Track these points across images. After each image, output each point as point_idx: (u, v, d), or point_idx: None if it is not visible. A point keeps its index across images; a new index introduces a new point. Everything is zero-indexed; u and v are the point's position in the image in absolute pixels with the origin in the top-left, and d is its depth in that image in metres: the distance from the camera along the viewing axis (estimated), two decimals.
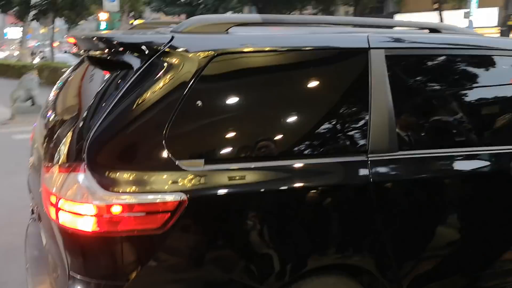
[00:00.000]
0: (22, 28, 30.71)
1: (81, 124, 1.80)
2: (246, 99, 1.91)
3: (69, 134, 1.85)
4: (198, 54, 1.82)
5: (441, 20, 28.74)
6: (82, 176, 1.68)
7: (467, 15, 22.46)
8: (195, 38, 1.90)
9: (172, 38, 1.84)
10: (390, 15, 36.00)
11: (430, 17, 31.28)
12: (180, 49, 1.82)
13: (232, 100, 1.89)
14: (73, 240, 1.74)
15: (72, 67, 2.77)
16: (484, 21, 29.70)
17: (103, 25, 18.37)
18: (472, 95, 2.41)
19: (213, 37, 1.93)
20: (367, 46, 2.10)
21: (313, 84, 2.05)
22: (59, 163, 1.80)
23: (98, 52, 2.08)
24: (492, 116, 2.44)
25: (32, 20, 29.02)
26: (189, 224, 1.75)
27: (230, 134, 1.87)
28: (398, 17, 35.30)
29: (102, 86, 1.93)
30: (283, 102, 1.97)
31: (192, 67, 1.79)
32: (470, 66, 2.42)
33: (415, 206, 2.13)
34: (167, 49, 1.80)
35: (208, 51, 1.83)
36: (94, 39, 2.07)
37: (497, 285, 2.45)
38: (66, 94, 2.51)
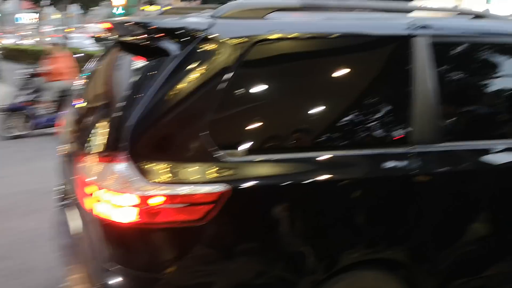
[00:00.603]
0: (37, 13, 30.81)
1: (120, 113, 1.75)
2: (287, 87, 1.85)
3: (108, 123, 1.80)
4: (240, 40, 1.76)
5: (459, 4, 28.17)
6: (124, 166, 1.64)
7: (488, 1, 21.96)
8: (236, 24, 1.84)
9: (213, 23, 1.78)
10: None
11: (446, 1, 30.68)
12: (221, 35, 1.76)
13: (274, 88, 1.83)
14: (111, 230, 1.71)
15: (99, 55, 2.71)
16: (502, 8, 29.03)
17: (119, 10, 18.28)
18: None
19: (254, 23, 1.86)
20: (410, 32, 2.02)
21: (355, 73, 1.97)
22: (98, 152, 1.76)
23: (134, 38, 2.02)
24: None
25: (49, 5, 29.08)
26: (231, 215, 1.71)
27: (273, 124, 1.82)
28: (416, 1, 34.68)
29: (139, 73, 1.87)
30: (326, 91, 1.90)
31: (233, 53, 1.74)
32: None
33: (457, 199, 2.06)
34: (207, 35, 1.74)
35: (250, 37, 1.77)
36: (131, 24, 2.01)
37: None
38: (99, 82, 2.46)
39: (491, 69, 2.24)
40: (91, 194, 1.74)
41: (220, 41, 1.75)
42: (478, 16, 2.43)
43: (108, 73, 2.39)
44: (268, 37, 1.81)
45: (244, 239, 1.77)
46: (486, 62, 2.25)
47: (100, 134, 1.82)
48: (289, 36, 1.86)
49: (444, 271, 2.10)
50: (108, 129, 1.77)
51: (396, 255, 2.00)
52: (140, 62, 1.99)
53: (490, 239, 2.18)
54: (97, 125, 1.94)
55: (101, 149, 1.76)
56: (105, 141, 1.76)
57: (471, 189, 2.09)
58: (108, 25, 2.26)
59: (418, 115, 1.97)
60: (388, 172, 1.94)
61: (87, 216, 1.86)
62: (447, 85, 2.07)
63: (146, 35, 1.91)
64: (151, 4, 43.40)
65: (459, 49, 2.17)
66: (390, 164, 1.95)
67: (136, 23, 1.96)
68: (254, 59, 1.78)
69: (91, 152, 1.83)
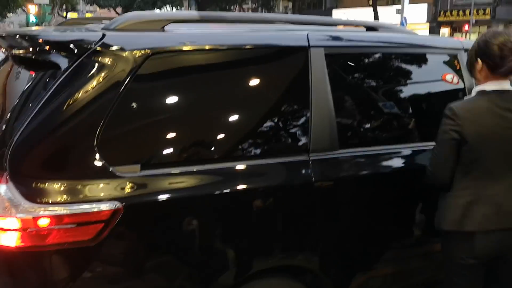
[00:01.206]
0: None
1: (3, 129, 1.65)
2: (184, 99, 1.84)
3: None
4: (132, 52, 1.72)
5: (376, 16, 29.71)
6: (4, 187, 1.54)
7: (399, 11, 23.27)
8: (128, 36, 1.80)
9: (103, 36, 1.73)
10: (329, 10, 36.77)
11: (365, 13, 32.29)
12: (112, 48, 1.71)
13: (170, 100, 1.81)
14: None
15: None
16: (415, 17, 30.95)
17: (32, 18, 17.33)
18: (408, 92, 2.46)
19: (148, 35, 1.84)
20: (307, 44, 2.08)
21: (253, 83, 2.00)
22: None
23: (22, 51, 1.92)
24: (428, 112, 2.50)
25: None
26: (126, 233, 1.66)
27: (168, 137, 1.79)
28: (336, 12, 36.14)
29: (26, 87, 1.79)
30: (222, 102, 1.91)
31: (125, 66, 1.69)
32: (406, 64, 2.47)
33: (357, 204, 2.14)
34: (98, 48, 1.69)
35: (143, 49, 1.74)
36: (17, 36, 1.91)
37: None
38: None
39: (381, 78, 2.36)
40: None
41: (112, 53, 1.70)
42: (370, 28, 2.55)
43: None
44: (163, 49, 1.78)
45: (143, 256, 1.72)
46: (377, 71, 2.37)
47: None
48: (186, 48, 1.84)
49: (347, 275, 2.17)
50: None
51: (302, 262, 2.03)
52: (30, 76, 1.90)
53: (391, 241, 2.29)
54: None
55: None
56: None
57: (368, 193, 2.18)
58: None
59: (316, 124, 2.03)
60: (290, 180, 1.98)
61: None
62: (342, 95, 2.15)
63: (35, 48, 1.82)
64: (67, 12, 41.78)
65: (352, 59, 2.27)
66: (291, 172, 1.99)
67: (24, 36, 1.86)
68: (148, 72, 1.74)
69: None
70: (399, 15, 23.12)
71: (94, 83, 1.65)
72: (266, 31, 2.19)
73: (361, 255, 2.20)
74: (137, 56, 1.72)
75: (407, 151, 2.30)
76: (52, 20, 18.61)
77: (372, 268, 2.27)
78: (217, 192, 1.81)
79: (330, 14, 36.10)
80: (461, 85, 2.45)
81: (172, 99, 1.81)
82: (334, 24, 2.59)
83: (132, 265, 1.71)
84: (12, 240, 1.54)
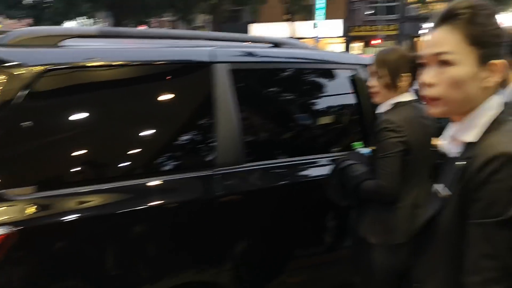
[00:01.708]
0: None
1: None
2: (81, 117, 1.79)
3: None
4: (24, 69, 1.65)
5: (292, 30, 30.65)
6: None
7: (314, 26, 24.19)
8: (21, 52, 1.73)
9: None
10: (246, 25, 37.35)
11: (282, 28, 33.19)
12: (3, 64, 1.63)
13: (66, 118, 1.76)
14: None
15: None
16: (329, 32, 32.31)
17: None
18: (309, 105, 2.57)
19: (41, 51, 1.78)
20: (210, 60, 2.11)
21: (155, 99, 1.99)
22: None
23: None
24: (329, 124, 2.62)
25: None
26: (21, 258, 1.58)
27: (65, 156, 1.73)
28: (254, 27, 36.79)
29: None
30: (123, 119, 1.88)
31: (17, 83, 1.62)
32: (307, 78, 2.58)
33: (264, 216, 2.19)
34: None
35: (36, 65, 1.67)
36: None
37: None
38: None
39: (284, 92, 2.45)
40: None
41: (2, 70, 1.63)
42: (276, 44, 2.64)
43: None
44: (57, 65, 1.73)
45: (41, 280, 1.64)
46: (280, 86, 2.45)
47: None
48: (81, 64, 1.80)
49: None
50: None
51: (213, 277, 2.04)
52: None
53: (296, 248, 2.36)
54: None
55: None
56: None
57: (275, 205, 2.23)
58: None
59: (222, 138, 2.06)
60: (196, 195, 1.98)
61: None
62: (248, 109, 2.20)
63: None
64: None
65: (256, 75, 2.33)
66: (197, 187, 2.00)
67: None
68: (41, 89, 1.68)
69: None
70: (314, 30, 24.04)
71: None
72: (169, 47, 2.19)
73: (271, 266, 2.25)
74: (29, 72, 1.65)
75: (312, 162, 2.39)
76: None
77: (282, 278, 2.32)
78: (118, 211, 1.77)
79: (247, 29, 36.75)
80: (356, 99, 2.60)
81: (68, 117, 1.76)
82: (240, 40, 2.65)
83: None
84: None
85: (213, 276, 2.03)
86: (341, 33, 34.60)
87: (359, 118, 2.61)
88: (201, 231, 1.98)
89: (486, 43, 1.06)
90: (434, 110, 1.11)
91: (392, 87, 2.05)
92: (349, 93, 2.66)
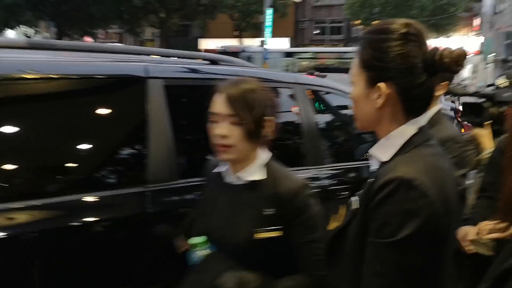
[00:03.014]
0: None
1: None
2: (12, 130, 1.72)
3: None
4: None
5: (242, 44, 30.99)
6: None
7: (262, 44, 24.56)
8: None
9: None
10: (195, 39, 37.40)
11: (231, 43, 33.45)
12: None
13: None
14: None
15: None
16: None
17: None
18: None
19: None
20: (145, 75, 2.09)
21: (85, 114, 1.95)
22: None
23: None
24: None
25: None
26: None
27: None
28: (202, 42, 36.89)
29: None
30: (54, 134, 1.83)
31: None
32: None
33: None
34: None
35: None
36: None
37: None
38: None
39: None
40: None
41: None
42: (213, 61, 2.66)
43: None
44: None
45: None
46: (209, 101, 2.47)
47: None
48: (10, 76, 1.73)
49: None
50: None
51: None
52: None
53: None
54: None
55: None
56: None
57: None
58: None
59: (154, 154, 2.03)
60: (124, 213, 1.94)
61: None
62: (182, 126, 2.19)
63: None
64: None
65: (192, 91, 2.33)
66: (126, 204, 1.96)
67: None
68: None
69: None
70: (263, 47, 24.42)
71: None
72: (101, 60, 2.15)
73: None
74: None
75: None
76: None
77: None
78: (46, 228, 1.71)
79: (196, 43, 36.81)
80: (295, 119, 2.66)
81: None
82: (177, 56, 2.64)
83: None
84: None
85: None
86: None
87: (299, 136, 2.66)
88: (133, 247, 1.94)
89: (371, 66, 1.13)
90: (355, 124, 1.25)
91: None
92: (288, 111, 2.71)
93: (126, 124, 2.05)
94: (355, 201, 1.16)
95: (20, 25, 37.84)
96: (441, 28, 26.64)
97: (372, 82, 1.13)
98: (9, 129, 1.73)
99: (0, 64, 1.78)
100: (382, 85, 1.11)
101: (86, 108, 1.95)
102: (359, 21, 27.51)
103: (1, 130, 1.71)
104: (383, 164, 1.14)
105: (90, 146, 1.93)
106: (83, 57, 2.16)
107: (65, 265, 1.76)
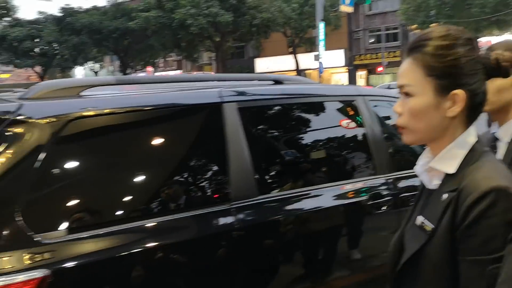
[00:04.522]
0: None
1: None
2: (105, 162, 1.91)
3: None
4: (50, 120, 1.78)
5: (296, 62, 31.16)
6: None
7: (317, 58, 24.57)
8: (45, 104, 1.86)
9: (21, 105, 1.78)
10: (251, 60, 38.01)
11: (286, 61, 33.71)
12: (30, 117, 1.76)
13: (90, 163, 1.88)
14: None
15: None
16: (332, 62, 32.79)
17: None
18: (314, 138, 2.70)
19: (65, 102, 1.91)
20: (220, 100, 2.24)
21: (172, 141, 2.12)
22: None
23: None
24: (339, 155, 2.73)
25: None
26: None
27: (91, 199, 1.84)
28: (258, 61, 37.41)
29: None
30: (143, 163, 2.00)
31: (44, 134, 1.74)
32: (311, 112, 2.71)
33: (278, 245, 2.28)
34: (16, 118, 1.73)
35: (62, 115, 1.80)
36: None
37: None
38: None
39: (290, 127, 2.57)
40: None
41: (30, 122, 1.75)
42: (276, 81, 2.79)
43: None
44: (81, 114, 1.85)
45: None
46: (286, 120, 2.57)
47: None
48: (105, 112, 1.92)
49: None
50: None
51: None
52: None
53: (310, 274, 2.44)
54: None
55: None
56: None
57: (288, 234, 2.33)
58: None
59: (234, 173, 2.16)
60: (213, 230, 2.07)
61: None
62: (256, 145, 2.31)
63: None
64: None
65: (262, 111, 2.46)
66: (213, 221, 2.09)
67: None
68: (68, 137, 1.80)
69: None
70: (317, 61, 24.45)
71: (14, 152, 1.68)
72: (182, 91, 2.33)
73: None
74: (54, 123, 1.77)
75: (320, 192, 2.49)
76: None
77: None
78: (142, 249, 1.86)
79: (252, 63, 37.42)
80: (360, 129, 2.74)
81: (92, 163, 1.88)
82: (243, 79, 2.79)
83: None
84: None
85: None
86: (343, 63, 35.10)
87: (365, 147, 2.72)
88: (220, 263, 2.06)
89: (444, 74, 1.06)
90: (405, 139, 1.14)
91: None
92: (351, 124, 2.78)
93: (209, 147, 2.20)
94: (424, 221, 1.08)
95: (88, 61, 40.29)
96: (505, 25, 25.46)
97: (444, 90, 1.06)
98: (108, 160, 1.93)
99: (97, 101, 1.99)
100: (459, 92, 1.05)
101: (175, 136, 2.12)
102: (415, 26, 26.87)
103: (102, 162, 1.90)
104: (448, 176, 1.08)
105: (184, 169, 2.10)
106: (164, 88, 2.35)
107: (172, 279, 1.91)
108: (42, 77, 40.38)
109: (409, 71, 1.10)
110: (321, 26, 24.15)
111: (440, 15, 25.14)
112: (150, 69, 39.60)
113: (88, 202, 1.83)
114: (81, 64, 41.22)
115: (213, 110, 2.21)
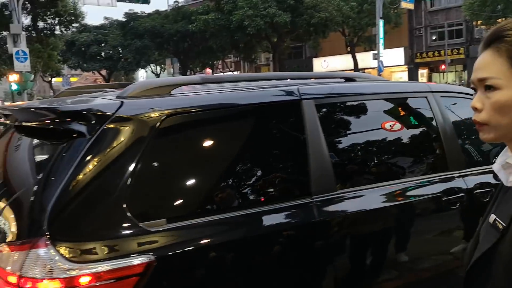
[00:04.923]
0: None
1: (32, 198, 1.78)
2: (197, 155, 2.03)
3: (15, 209, 1.84)
4: (150, 116, 1.90)
5: (355, 61, 30.71)
6: (45, 251, 1.65)
7: (375, 56, 24.15)
8: (143, 102, 2.00)
9: (122, 103, 1.92)
10: (309, 59, 37.91)
11: (344, 60, 33.34)
12: (131, 114, 1.89)
13: (185, 157, 2.00)
14: None
15: None
16: (391, 61, 32.09)
17: (14, 86, 16.85)
18: (386, 134, 2.70)
19: (160, 99, 2.05)
20: (299, 97, 2.31)
21: (257, 136, 2.22)
22: (13, 240, 1.77)
23: (36, 123, 2.03)
24: (406, 150, 2.77)
25: None
26: (160, 284, 1.78)
27: (187, 191, 1.97)
28: (316, 61, 37.23)
29: (49, 156, 1.95)
30: (237, 156, 2.13)
31: (144, 130, 1.87)
32: (383, 108, 2.74)
33: (360, 238, 2.35)
34: (118, 115, 1.87)
35: (158, 112, 1.92)
36: (33, 109, 2.09)
37: None
38: None
39: (364, 122, 2.63)
40: (15, 285, 1.69)
41: (130, 119, 1.88)
42: (348, 79, 2.85)
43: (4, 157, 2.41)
44: (177, 111, 1.97)
45: None
46: (359, 116, 2.62)
47: (11, 221, 1.84)
48: (198, 108, 2.05)
49: None
50: (19, 215, 1.81)
51: None
52: (48, 145, 2.06)
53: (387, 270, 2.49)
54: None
55: (17, 236, 1.76)
56: (19, 228, 1.78)
57: (367, 226, 2.40)
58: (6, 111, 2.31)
59: (314, 169, 2.23)
60: (297, 222, 2.16)
61: None
62: (333, 140, 2.38)
63: (54, 119, 1.95)
64: (52, 77, 42.22)
65: (337, 108, 2.52)
66: (297, 214, 2.17)
67: (41, 108, 2.05)
68: (164, 133, 1.92)
69: (6, 241, 1.80)
70: (376, 60, 24.03)
71: (117, 148, 1.82)
72: (263, 89, 2.42)
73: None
74: (154, 119, 1.90)
75: (398, 186, 2.53)
76: (34, 87, 18.12)
77: None
78: (236, 238, 1.98)
79: (311, 63, 37.31)
80: (433, 126, 2.76)
81: (186, 157, 2.00)
82: (317, 77, 2.86)
83: None
84: None
85: None
86: (402, 62, 34.26)
87: (437, 142, 2.74)
88: (305, 253, 2.15)
89: None
90: (484, 136, 1.06)
91: None
92: (424, 119, 2.80)
93: (293, 142, 2.28)
94: (496, 218, 1.04)
95: (150, 64, 41.76)
96: None
97: None
98: (204, 154, 2.07)
99: (201, 98, 2.16)
100: None
101: (260, 131, 2.24)
102: (480, 22, 25.80)
103: (199, 156, 2.05)
104: None
105: (270, 164, 2.21)
106: (245, 86, 2.45)
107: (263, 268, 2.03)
108: (107, 80, 42.27)
109: (490, 63, 1.03)
110: (381, 24, 23.72)
111: (507, 10, 23.99)
112: (208, 70, 40.43)
113: (184, 193, 1.96)
114: (144, 67, 42.75)
115: (294, 107, 2.28)
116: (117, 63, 39.27)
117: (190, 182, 1.99)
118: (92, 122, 1.87)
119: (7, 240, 1.81)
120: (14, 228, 1.81)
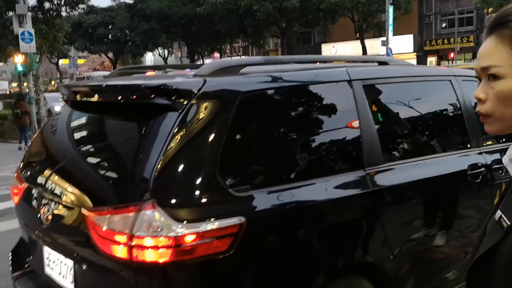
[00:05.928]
0: None
1: (135, 167, 2.01)
2: (274, 130, 2.24)
3: (120, 176, 2.10)
4: (231, 93, 2.12)
5: (364, 48, 30.68)
6: (153, 212, 1.86)
7: (384, 43, 24.18)
8: (223, 80, 2.22)
9: (205, 81, 2.11)
10: (317, 45, 37.85)
11: (352, 46, 33.28)
12: (214, 90, 2.10)
13: (262, 131, 2.22)
14: (150, 273, 1.91)
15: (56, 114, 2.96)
16: (401, 48, 32.06)
17: (19, 67, 16.66)
18: (423, 112, 3.00)
19: (238, 78, 2.27)
20: (349, 77, 2.54)
21: (321, 111, 2.47)
22: (119, 204, 1.97)
23: (121, 98, 2.24)
24: (439, 126, 3.10)
25: None
26: (251, 242, 1.98)
27: (267, 160, 2.19)
28: (324, 47, 37.19)
29: (143, 129, 2.14)
30: (306, 131, 2.36)
31: (227, 105, 2.07)
32: (419, 90, 3.02)
33: (408, 205, 2.62)
34: (204, 91, 2.06)
35: (238, 90, 2.14)
36: (118, 86, 2.33)
37: None
38: (75, 140, 2.65)
39: (403, 102, 2.88)
40: (125, 244, 1.88)
41: (214, 95, 2.09)
42: (382, 62, 3.13)
43: (84, 131, 2.65)
44: (253, 88, 2.19)
45: (267, 263, 2.05)
46: (399, 96, 2.88)
47: (116, 187, 2.11)
48: (268, 87, 2.28)
49: (405, 272, 2.59)
50: (125, 182, 2.06)
51: (372, 260, 2.41)
52: (141, 120, 2.22)
53: (437, 238, 2.75)
54: (103, 179, 2.21)
55: (124, 200, 1.97)
56: (121, 192, 2.04)
57: (415, 196, 2.66)
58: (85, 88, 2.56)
59: (366, 143, 2.47)
60: (354, 191, 2.39)
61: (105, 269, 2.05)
62: (380, 118, 2.62)
63: (143, 96, 2.16)
64: (58, 59, 42.19)
65: (381, 89, 2.75)
66: (353, 184, 2.40)
67: (125, 86, 2.30)
68: (244, 108, 2.10)
69: (109, 205, 2.00)
70: (384, 47, 24.07)
71: (207, 121, 2.02)
72: (322, 68, 2.66)
73: (419, 251, 2.67)
74: (234, 95, 2.10)
75: (436, 160, 2.84)
76: (39, 68, 17.92)
77: (429, 265, 2.72)
78: (309, 204, 2.21)
79: (319, 49, 37.26)
80: (458, 106, 3.07)
81: (264, 130, 2.21)
82: (351, 61, 3.17)
83: (260, 270, 2.05)
84: (163, 256, 1.85)
85: (373, 259, 2.41)
86: (411, 49, 34.23)
87: (462, 120, 3.06)
88: (361, 220, 2.42)
89: None
90: (488, 128, 1.00)
91: None
92: (451, 100, 3.09)
93: (348, 119, 2.50)
94: (502, 215, 0.95)
95: (158, 47, 41.66)
96: None
97: None
98: (284, 127, 2.30)
99: (268, 78, 2.37)
100: None
101: (321, 108, 2.47)
102: (491, 9, 25.73)
103: (277, 129, 2.26)
104: None
105: (329, 138, 2.44)
106: (304, 67, 2.67)
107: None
108: (114, 63, 42.30)
109: (494, 50, 0.95)
110: (390, 10, 23.72)
111: None
112: (216, 55, 40.44)
113: (265, 163, 2.17)
114: (151, 50, 42.64)
115: (347, 86, 2.51)
116: (124, 46, 39.12)
117: (269, 153, 2.21)
118: (180, 98, 2.05)
119: (103, 205, 2.02)
120: (112, 195, 2.07)
